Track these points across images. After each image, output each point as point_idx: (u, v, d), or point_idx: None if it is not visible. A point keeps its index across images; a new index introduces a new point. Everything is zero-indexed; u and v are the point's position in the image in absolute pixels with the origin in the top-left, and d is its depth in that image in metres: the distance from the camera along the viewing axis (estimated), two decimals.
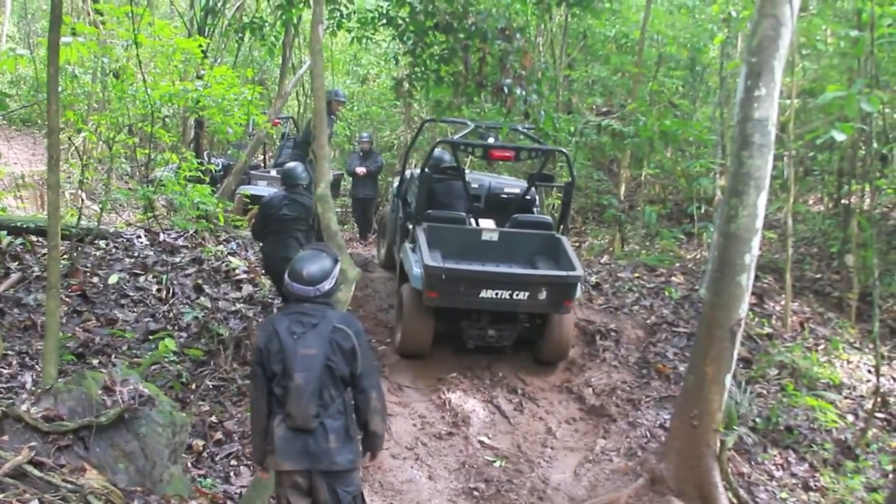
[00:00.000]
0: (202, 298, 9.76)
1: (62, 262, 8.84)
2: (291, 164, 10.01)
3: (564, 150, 10.70)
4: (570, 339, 10.11)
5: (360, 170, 15.72)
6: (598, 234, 18.14)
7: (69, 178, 14.75)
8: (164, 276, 9.85)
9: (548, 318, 9.91)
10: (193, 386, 7.96)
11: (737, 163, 6.77)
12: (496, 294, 9.30)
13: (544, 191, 14.54)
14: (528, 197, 11.52)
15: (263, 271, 10.38)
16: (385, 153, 21.67)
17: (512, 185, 12.28)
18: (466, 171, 13.17)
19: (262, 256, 9.88)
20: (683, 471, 7.01)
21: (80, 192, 12.88)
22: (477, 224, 10.77)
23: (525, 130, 10.87)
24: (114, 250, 10.53)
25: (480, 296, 9.30)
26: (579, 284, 9.78)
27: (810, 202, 17.10)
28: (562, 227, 10.72)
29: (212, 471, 6.84)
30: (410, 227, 10.34)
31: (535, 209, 11.62)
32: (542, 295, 9.35)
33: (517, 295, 9.33)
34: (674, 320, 10.93)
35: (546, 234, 10.41)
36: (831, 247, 14.05)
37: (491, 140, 11.29)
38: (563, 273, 9.51)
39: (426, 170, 10.74)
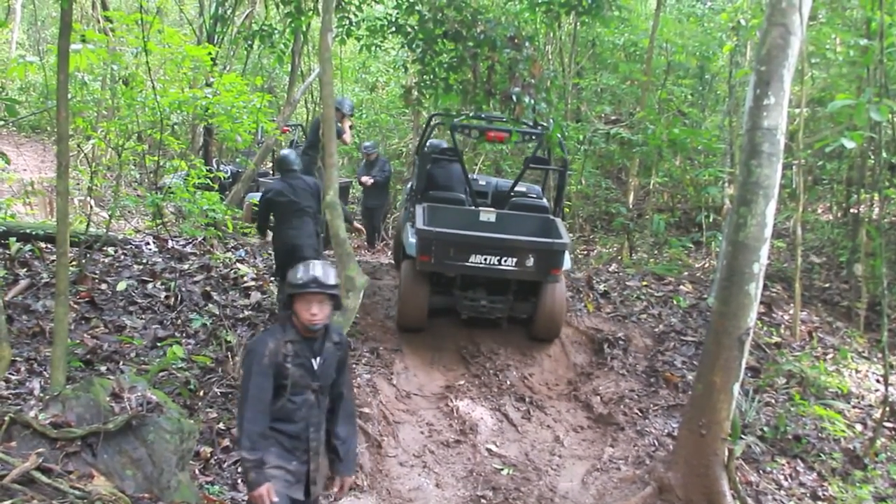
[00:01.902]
0: (210, 305, 9.77)
1: (71, 268, 8.86)
2: (285, 151, 10.40)
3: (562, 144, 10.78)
4: (562, 315, 10.43)
5: (366, 179, 15.79)
6: (607, 243, 18.14)
7: (78, 184, 14.79)
8: (173, 283, 9.86)
9: (539, 292, 10.29)
10: (201, 393, 7.95)
11: (745, 172, 6.76)
12: (485, 259, 9.74)
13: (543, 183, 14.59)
14: (533, 195, 11.96)
15: (275, 262, 10.23)
16: (394, 161, 21.69)
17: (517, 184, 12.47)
18: (477, 175, 13.44)
19: (274, 248, 10.03)
20: (691, 479, 6.99)
21: (89, 198, 12.93)
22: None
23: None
24: (122, 257, 10.55)
25: (470, 261, 9.74)
26: (566, 255, 10.07)
27: (819, 211, 17.07)
28: (556, 209, 11.14)
29: (219, 478, 6.83)
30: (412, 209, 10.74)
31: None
32: (530, 262, 9.78)
33: (505, 261, 9.76)
34: (682, 329, 10.91)
35: (542, 217, 10.81)
36: (840, 256, 14.03)
37: None
38: (549, 240, 9.93)
39: (425, 149, 11.36)
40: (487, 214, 10.69)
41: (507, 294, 10.41)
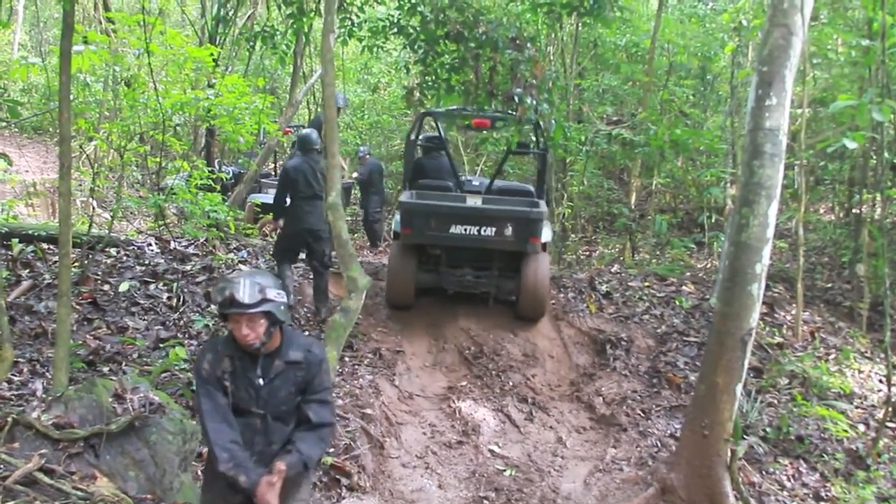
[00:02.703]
0: (212, 307, 9.76)
1: (73, 269, 8.85)
2: (307, 131, 10.72)
3: (539, 122, 10.94)
4: (545, 294, 10.82)
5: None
6: (609, 243, 18.17)
7: (80, 185, 14.79)
8: (175, 284, 9.86)
9: (522, 269, 10.68)
10: None
11: (748, 172, 6.76)
12: (465, 230, 10.33)
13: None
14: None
15: (280, 239, 10.68)
16: (396, 162, 21.72)
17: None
18: (469, 176, 13.73)
19: (285, 226, 10.47)
20: (694, 480, 6.98)
21: (91, 199, 12.92)
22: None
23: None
24: (124, 258, 10.55)
25: (451, 231, 10.28)
26: (545, 226, 10.57)
27: (821, 211, 17.08)
28: (540, 192, 11.50)
29: None
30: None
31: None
32: (508, 230, 10.34)
33: (485, 230, 10.34)
34: (684, 329, 10.90)
35: (525, 199, 11.06)
36: (842, 256, 14.03)
37: None
38: (526, 209, 10.38)
39: (412, 137, 11.94)
40: (473, 199, 10.96)
41: (491, 269, 10.86)
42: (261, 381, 4.41)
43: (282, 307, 4.33)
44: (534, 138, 12.02)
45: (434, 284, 11.13)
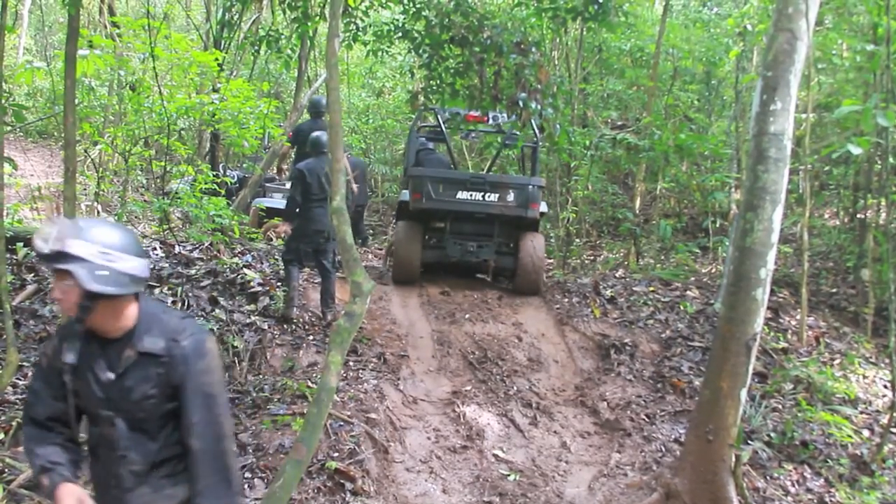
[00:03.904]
0: (217, 311, 9.76)
1: None
2: (317, 133, 10.68)
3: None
4: (541, 270, 11.95)
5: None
6: (613, 248, 18.15)
7: (85, 190, 14.82)
8: (179, 289, 9.85)
9: (519, 245, 11.98)
10: None
11: (752, 177, 6.75)
12: (471, 195, 11.58)
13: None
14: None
15: (290, 240, 10.63)
16: (399, 166, 21.74)
17: None
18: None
19: (297, 225, 10.46)
20: (698, 485, 6.96)
21: (96, 204, 12.95)
22: None
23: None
24: None
25: (458, 196, 11.46)
26: (541, 199, 11.98)
27: (826, 216, 17.04)
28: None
29: None
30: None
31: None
32: (510, 197, 11.66)
33: (489, 196, 11.62)
34: (689, 334, 10.89)
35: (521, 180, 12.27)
36: (847, 261, 14.00)
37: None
38: (527, 178, 12.08)
39: (414, 130, 13.14)
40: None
41: (492, 239, 12.07)
42: (110, 376, 3.22)
43: (98, 272, 3.05)
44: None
45: (438, 259, 12.26)
